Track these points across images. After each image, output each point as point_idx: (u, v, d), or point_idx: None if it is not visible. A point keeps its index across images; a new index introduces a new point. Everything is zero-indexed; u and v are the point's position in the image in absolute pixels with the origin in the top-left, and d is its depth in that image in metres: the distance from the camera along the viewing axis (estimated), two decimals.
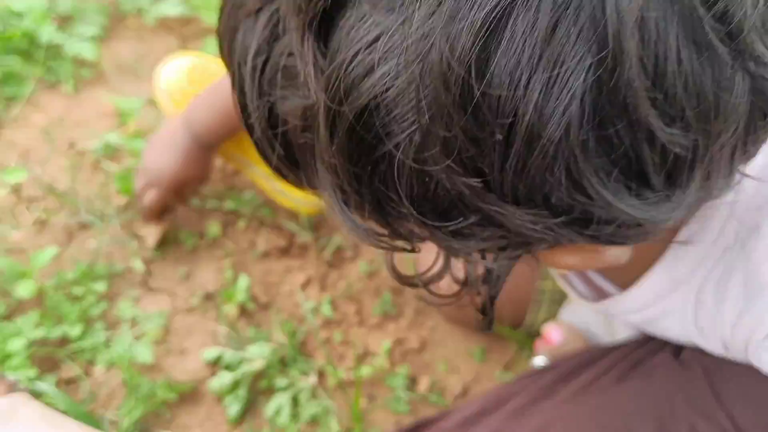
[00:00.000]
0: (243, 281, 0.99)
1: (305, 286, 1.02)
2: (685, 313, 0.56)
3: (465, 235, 0.36)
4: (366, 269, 1.03)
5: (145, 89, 1.18)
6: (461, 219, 0.35)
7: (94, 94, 1.17)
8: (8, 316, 0.90)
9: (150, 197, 0.97)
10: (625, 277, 0.60)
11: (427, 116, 0.32)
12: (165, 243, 1.02)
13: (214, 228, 1.05)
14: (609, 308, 0.64)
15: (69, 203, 1.02)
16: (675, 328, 0.60)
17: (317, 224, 1.07)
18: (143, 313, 0.95)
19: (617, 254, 0.41)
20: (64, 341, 0.90)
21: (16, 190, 1.02)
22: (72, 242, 1.00)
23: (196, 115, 0.93)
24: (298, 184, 0.42)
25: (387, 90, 0.32)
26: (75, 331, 0.90)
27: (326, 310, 0.99)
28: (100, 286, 0.95)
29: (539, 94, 0.30)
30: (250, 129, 0.40)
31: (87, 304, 0.93)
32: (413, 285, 0.43)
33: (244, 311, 0.98)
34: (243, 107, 0.40)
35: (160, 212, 1.00)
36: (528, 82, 0.30)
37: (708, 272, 0.52)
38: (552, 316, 0.91)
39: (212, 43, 1.24)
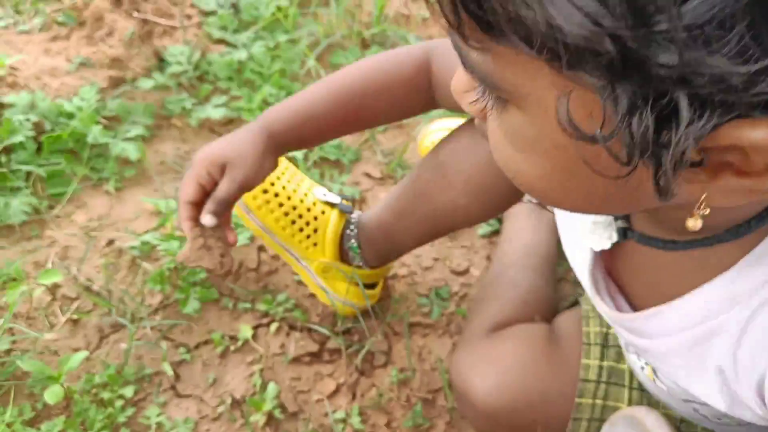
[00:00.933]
0: (272, 389, 0.96)
1: (335, 394, 0.99)
2: (728, 338, 0.49)
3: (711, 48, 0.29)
4: (397, 377, 1.00)
5: None
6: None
7: (136, 193, 1.19)
8: (34, 421, 0.90)
9: (226, 185, 0.80)
10: (650, 298, 0.54)
11: None
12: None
13: (245, 330, 1.03)
14: (642, 326, 0.56)
15: (103, 304, 1.02)
16: (711, 356, 0.52)
17: (349, 329, 1.05)
18: (169, 421, 0.93)
19: None
20: None
21: (52, 290, 1.03)
22: (103, 344, 1.00)
23: (271, 112, 0.84)
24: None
25: None
26: None
27: (356, 421, 0.96)
28: (128, 391, 0.94)
29: None
30: None
31: (113, 411, 0.91)
32: (593, 140, 0.35)
33: (271, 419, 0.95)
34: None
35: (230, 206, 0.83)
36: None
37: None
38: None
39: None
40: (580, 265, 0.61)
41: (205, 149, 0.81)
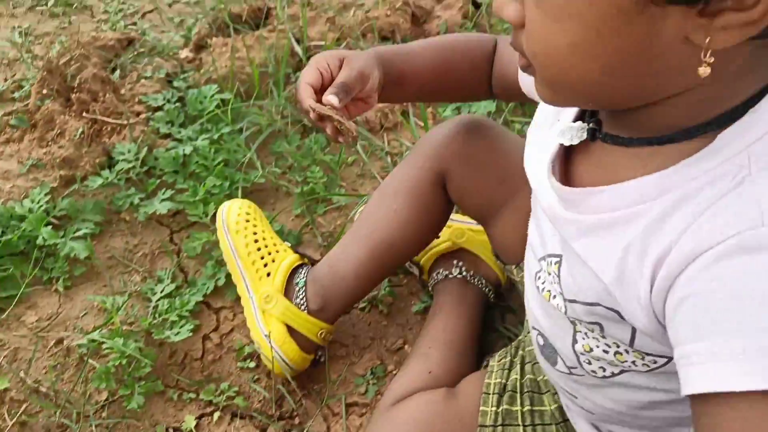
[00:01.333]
0: None
1: None
2: (649, 222, 0.55)
3: None
4: None
5: (134, 281, 1.26)
6: None
7: (85, 290, 1.25)
8: None
9: (346, 71, 0.84)
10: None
11: None
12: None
13: (189, 421, 1.08)
14: (581, 200, 0.62)
15: (48, 407, 1.07)
16: (626, 235, 0.58)
17: (289, 413, 1.10)
18: None
19: None
20: None
21: (1, 394, 1.07)
22: None
23: (376, 47, 0.93)
24: None
25: None
26: None
27: None
28: None
29: None
30: None
31: None
32: None
33: None
34: None
35: (350, 92, 0.83)
36: None
37: (698, 190, 0.52)
38: None
39: (198, 232, 1.33)
40: (540, 162, 0.68)
41: (350, 53, 0.88)
